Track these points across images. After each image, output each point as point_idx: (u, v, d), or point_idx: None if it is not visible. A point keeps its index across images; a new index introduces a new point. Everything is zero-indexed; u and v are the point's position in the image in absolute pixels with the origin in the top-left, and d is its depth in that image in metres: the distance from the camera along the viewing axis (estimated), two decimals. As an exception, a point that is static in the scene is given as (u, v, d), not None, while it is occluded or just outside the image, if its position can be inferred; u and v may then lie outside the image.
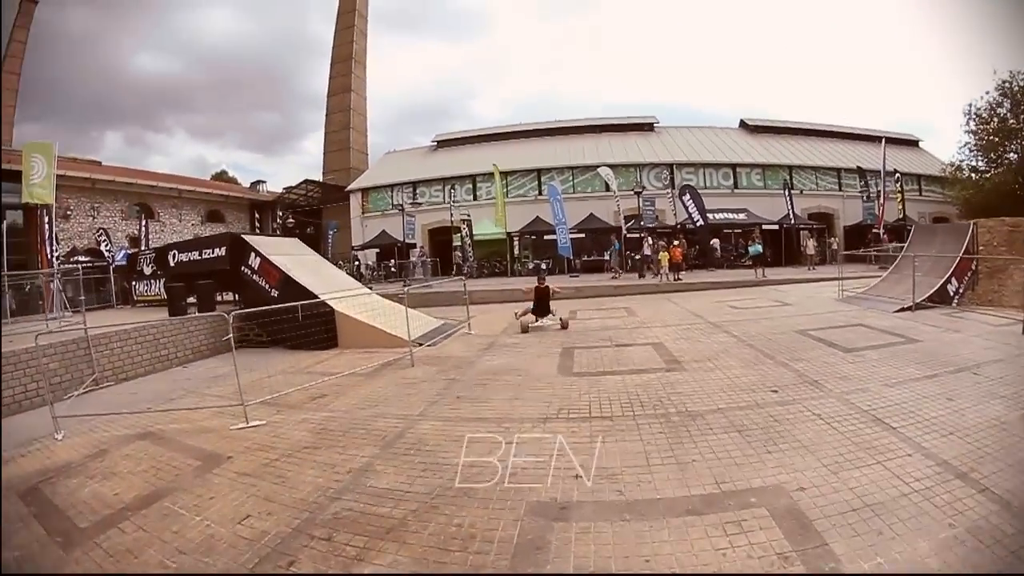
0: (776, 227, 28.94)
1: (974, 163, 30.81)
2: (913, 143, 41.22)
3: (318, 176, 44.43)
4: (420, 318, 12.89)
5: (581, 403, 6.33)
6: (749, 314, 12.68)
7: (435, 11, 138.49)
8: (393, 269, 30.63)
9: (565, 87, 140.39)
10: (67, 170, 29.63)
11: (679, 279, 20.25)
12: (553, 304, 12.68)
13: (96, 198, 31.11)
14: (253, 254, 13.59)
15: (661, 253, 20.53)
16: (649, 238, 23.88)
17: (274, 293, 13.06)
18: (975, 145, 30.22)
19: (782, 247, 28.51)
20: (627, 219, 26.98)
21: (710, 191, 30.03)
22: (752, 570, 3.08)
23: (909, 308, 11.65)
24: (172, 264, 15.91)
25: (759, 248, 21.07)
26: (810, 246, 25.82)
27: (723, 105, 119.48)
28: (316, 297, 12.09)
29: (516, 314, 12.60)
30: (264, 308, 10.39)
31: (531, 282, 13.76)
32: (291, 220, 36.24)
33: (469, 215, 29.80)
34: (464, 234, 28.57)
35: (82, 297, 14.95)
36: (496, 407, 6.41)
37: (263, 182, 46.71)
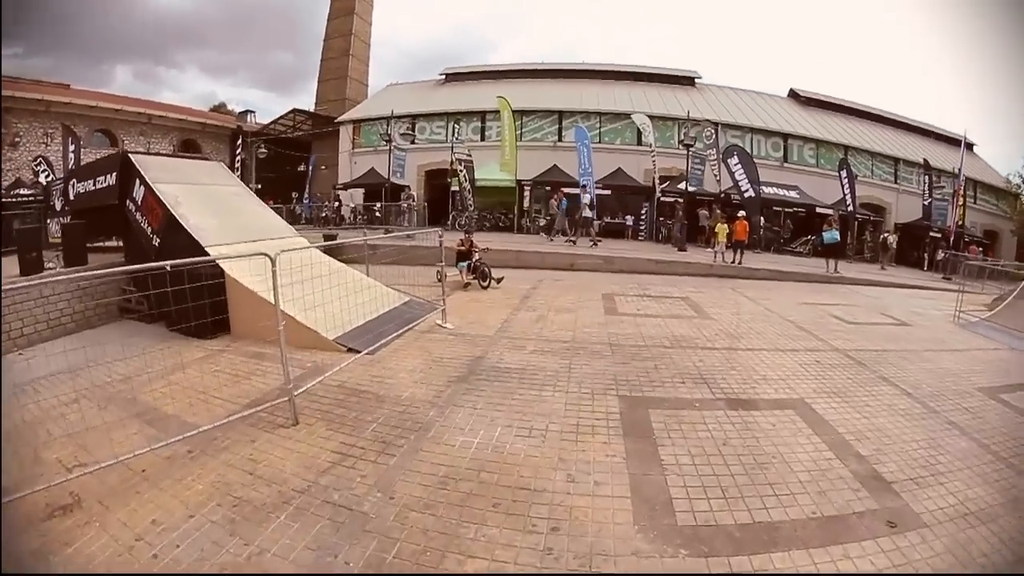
0: (830, 212, 23.99)
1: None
2: (967, 146, 36.03)
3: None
4: (372, 289, 8.21)
5: None
6: (872, 336, 8.07)
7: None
8: (378, 214, 25.61)
9: (591, 50, 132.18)
10: (17, 91, 25.84)
11: (740, 262, 15.46)
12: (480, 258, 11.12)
13: (51, 123, 26.86)
14: (138, 182, 8.99)
15: (719, 225, 15.67)
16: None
17: (156, 241, 8.61)
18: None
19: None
20: (662, 179, 22.12)
21: (757, 161, 24.93)
22: None
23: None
24: (72, 197, 11.75)
25: (836, 235, 16.07)
26: (891, 240, 21.33)
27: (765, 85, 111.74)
28: (202, 250, 7.41)
29: (438, 274, 9.84)
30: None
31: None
32: (263, 150, 30.72)
33: (470, 155, 24.66)
34: (463, 177, 23.50)
35: None
36: None
37: (252, 112, 41.46)
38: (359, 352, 6.07)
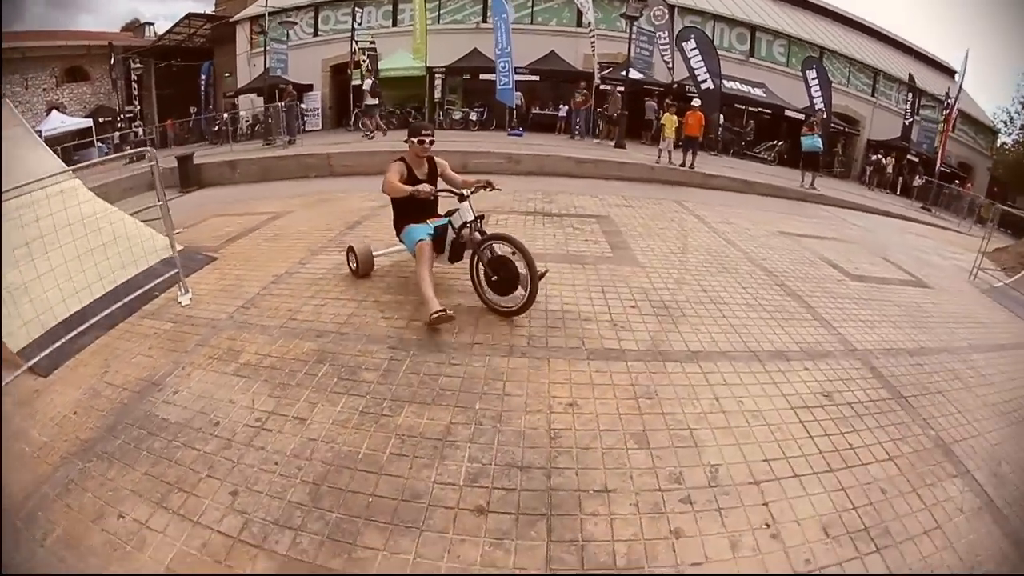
0: (801, 117, 20.60)
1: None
2: (949, 72, 32.88)
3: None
4: (126, 240, 4.65)
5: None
6: (894, 315, 4.90)
7: None
8: (270, 121, 20.96)
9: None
10: None
11: (692, 165, 11.88)
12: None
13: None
14: None
15: (666, 116, 12.01)
16: None
17: None
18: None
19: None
20: (603, 66, 18.30)
21: (720, 53, 21.15)
22: None
23: None
24: None
25: (818, 143, 12.79)
26: (885, 162, 20.02)
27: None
28: None
29: (352, 260, 4.53)
30: None
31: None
32: (139, 64, 25.93)
33: (374, 42, 20.11)
34: (365, 69, 18.98)
35: None
36: None
37: (150, 24, 34.65)
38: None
